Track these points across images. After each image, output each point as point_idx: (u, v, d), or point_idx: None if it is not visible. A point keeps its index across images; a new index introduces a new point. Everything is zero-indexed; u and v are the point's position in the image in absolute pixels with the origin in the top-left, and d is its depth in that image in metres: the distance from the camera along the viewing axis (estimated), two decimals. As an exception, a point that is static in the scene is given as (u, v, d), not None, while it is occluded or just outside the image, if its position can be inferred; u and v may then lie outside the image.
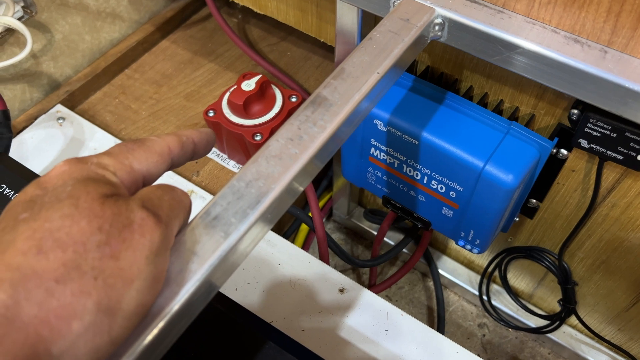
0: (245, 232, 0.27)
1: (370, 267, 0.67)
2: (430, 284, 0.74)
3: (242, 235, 0.27)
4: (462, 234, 0.52)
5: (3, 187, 0.45)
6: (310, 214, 0.58)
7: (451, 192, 0.49)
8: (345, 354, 0.47)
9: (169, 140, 0.27)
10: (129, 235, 0.21)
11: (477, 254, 0.53)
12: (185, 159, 0.28)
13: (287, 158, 0.30)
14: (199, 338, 0.38)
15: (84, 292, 0.19)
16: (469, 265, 0.72)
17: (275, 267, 0.52)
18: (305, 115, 0.33)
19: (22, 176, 0.47)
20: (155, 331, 0.23)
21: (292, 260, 0.52)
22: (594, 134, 0.42)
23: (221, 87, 0.71)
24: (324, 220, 0.67)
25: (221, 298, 0.42)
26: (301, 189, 0.32)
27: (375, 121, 0.48)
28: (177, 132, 0.28)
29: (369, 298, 0.49)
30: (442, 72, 0.50)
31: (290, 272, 0.51)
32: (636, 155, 0.41)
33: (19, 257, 0.19)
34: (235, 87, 0.58)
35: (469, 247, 0.53)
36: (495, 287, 0.70)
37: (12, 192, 0.44)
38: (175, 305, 0.24)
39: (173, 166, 0.28)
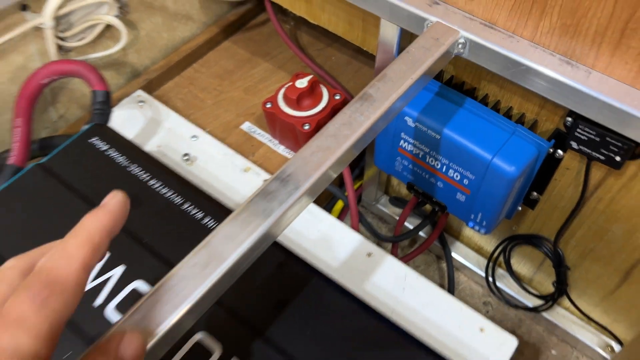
0: (309, 188, 0.38)
1: (392, 243, 0.78)
2: (444, 265, 0.84)
3: (306, 190, 0.38)
4: (472, 216, 0.62)
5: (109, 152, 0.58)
6: (345, 194, 0.69)
7: (465, 180, 0.59)
8: (368, 303, 0.57)
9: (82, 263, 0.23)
10: None
11: (484, 234, 0.63)
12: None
13: (341, 137, 0.42)
14: (257, 270, 0.50)
15: None
16: (478, 250, 0.82)
17: (315, 231, 0.62)
18: (355, 107, 0.44)
19: (120, 142, 0.60)
20: (232, 261, 0.33)
21: (328, 227, 0.63)
22: (583, 137, 0.52)
23: (274, 84, 0.82)
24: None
25: (275, 244, 0.53)
26: (343, 167, 0.42)
27: (406, 118, 0.59)
28: (88, 239, 0.24)
29: (391, 262, 0.60)
30: (463, 81, 0.60)
31: (327, 236, 0.62)
32: (614, 156, 0.51)
33: None
34: (290, 83, 0.69)
35: (477, 227, 0.63)
36: (500, 271, 0.79)
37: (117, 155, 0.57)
38: (246, 246, 0.34)
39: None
